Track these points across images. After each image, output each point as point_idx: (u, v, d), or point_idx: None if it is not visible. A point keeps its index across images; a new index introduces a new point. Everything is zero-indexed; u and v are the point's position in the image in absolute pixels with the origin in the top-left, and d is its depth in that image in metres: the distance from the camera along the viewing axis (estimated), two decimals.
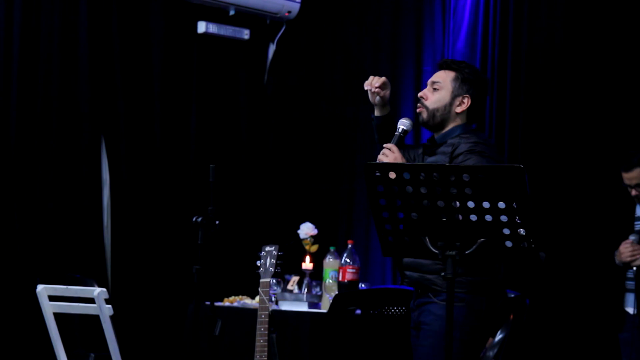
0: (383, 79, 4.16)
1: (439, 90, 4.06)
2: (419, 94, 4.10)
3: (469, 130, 4.06)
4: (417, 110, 4.09)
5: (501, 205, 3.06)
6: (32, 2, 6.13)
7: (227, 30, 6.95)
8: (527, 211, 3.05)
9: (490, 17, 6.69)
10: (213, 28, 6.88)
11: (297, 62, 7.41)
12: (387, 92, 4.18)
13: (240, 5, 6.92)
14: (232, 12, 6.95)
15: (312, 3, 7.26)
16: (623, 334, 5.41)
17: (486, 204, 3.08)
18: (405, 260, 3.99)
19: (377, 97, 4.16)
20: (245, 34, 7.04)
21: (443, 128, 4.07)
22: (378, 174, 3.23)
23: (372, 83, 4.14)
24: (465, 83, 4.05)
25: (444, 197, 3.14)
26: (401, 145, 4.04)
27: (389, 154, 3.93)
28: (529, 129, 6.46)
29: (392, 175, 3.22)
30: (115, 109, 6.52)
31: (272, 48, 7.33)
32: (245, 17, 7.05)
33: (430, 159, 4.02)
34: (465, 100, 4.04)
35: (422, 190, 3.17)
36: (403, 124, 4.07)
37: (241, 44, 7.10)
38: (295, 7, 7.11)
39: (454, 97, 4.05)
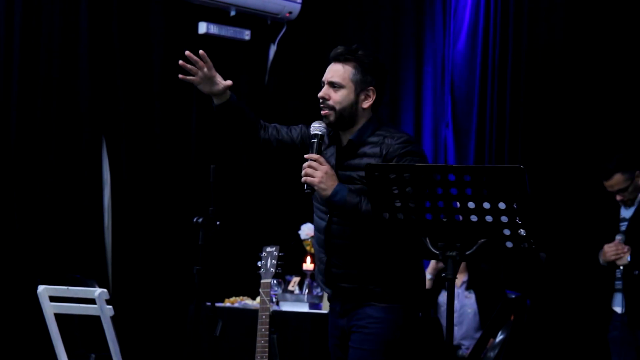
0: (199, 56, 3.82)
1: (341, 89, 3.73)
2: (320, 95, 3.75)
3: (382, 124, 3.78)
4: (322, 112, 3.74)
5: (502, 205, 3.06)
6: (33, 2, 6.13)
7: (228, 31, 6.95)
8: (527, 212, 3.05)
9: (491, 18, 6.70)
10: (214, 29, 6.88)
11: (298, 63, 7.41)
12: (212, 76, 3.85)
13: (241, 6, 6.92)
14: (233, 13, 6.95)
15: (313, 4, 7.26)
16: (611, 333, 5.44)
17: (487, 205, 3.08)
18: (337, 271, 3.76)
19: (214, 87, 3.85)
20: (246, 34, 7.04)
21: (353, 126, 3.76)
22: (378, 174, 3.23)
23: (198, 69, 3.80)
24: (366, 74, 3.74)
25: (444, 198, 3.14)
26: (320, 151, 3.74)
27: (319, 167, 3.68)
28: (529, 129, 6.47)
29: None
30: (116, 110, 6.52)
31: (273, 49, 7.33)
32: (246, 17, 7.06)
33: (354, 162, 3.70)
34: (371, 93, 3.75)
35: (422, 191, 3.17)
36: (318, 130, 3.76)
37: (242, 44, 7.10)
38: (296, 7, 7.11)
39: (358, 93, 3.73)
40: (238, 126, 3.98)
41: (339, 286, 3.80)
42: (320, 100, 3.77)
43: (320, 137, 3.76)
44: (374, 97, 3.77)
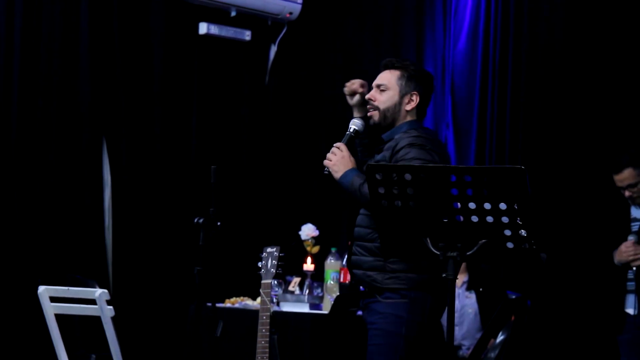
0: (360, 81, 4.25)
1: (387, 91, 4.09)
2: (367, 96, 4.13)
3: (414, 127, 4.08)
4: (368, 114, 4.13)
5: (502, 206, 3.06)
6: (33, 3, 6.13)
7: (228, 32, 6.95)
8: (528, 212, 3.05)
9: (492, 18, 6.69)
10: (214, 29, 6.87)
11: (298, 63, 7.41)
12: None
13: (242, 6, 6.92)
14: (233, 14, 6.95)
15: (313, 4, 7.26)
16: (623, 335, 5.39)
17: (487, 205, 3.08)
18: (354, 258, 4.05)
19: (357, 97, 4.23)
20: (247, 35, 7.04)
21: (393, 127, 4.11)
22: (379, 175, 3.23)
23: (354, 86, 4.22)
24: (411, 80, 4.09)
25: (445, 198, 3.14)
26: (352, 145, 4.12)
27: (337, 153, 4.02)
28: (530, 130, 6.46)
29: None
30: (116, 110, 6.52)
31: (273, 49, 7.32)
32: (247, 18, 7.05)
33: (378, 157, 4.07)
34: (414, 98, 4.09)
35: (423, 192, 3.17)
36: (355, 124, 4.15)
37: (242, 45, 7.10)
38: (296, 8, 7.11)
39: (402, 95, 4.08)
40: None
41: (352, 273, 4.07)
42: (368, 101, 4.13)
43: (355, 132, 4.14)
44: (417, 101, 4.09)
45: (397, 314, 3.89)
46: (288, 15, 7.12)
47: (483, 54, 6.75)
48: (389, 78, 4.10)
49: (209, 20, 6.87)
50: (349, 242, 4.19)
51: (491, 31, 6.70)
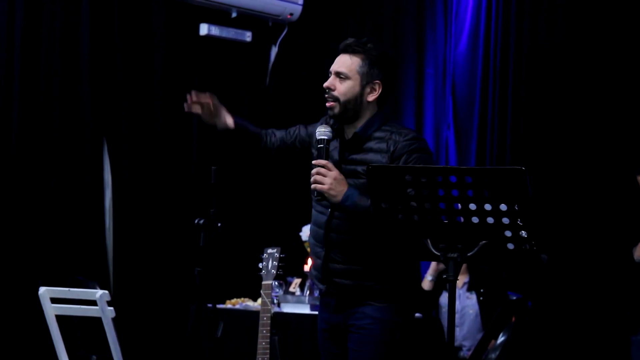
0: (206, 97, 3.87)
1: (347, 80, 3.71)
2: (325, 84, 3.73)
3: (388, 120, 3.76)
4: (327, 104, 3.72)
5: (503, 207, 3.06)
6: (34, 4, 6.14)
7: (229, 33, 6.95)
8: (528, 213, 3.04)
9: (492, 19, 6.70)
10: (215, 30, 6.88)
11: (299, 64, 7.41)
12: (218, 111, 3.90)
13: (243, 7, 6.93)
14: (234, 15, 6.96)
15: (314, 5, 7.26)
16: (637, 336, 5.38)
17: (488, 206, 3.08)
18: (336, 267, 3.74)
19: (217, 121, 3.91)
20: (248, 36, 7.04)
21: (357, 119, 3.74)
22: (380, 176, 3.22)
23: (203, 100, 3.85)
24: (373, 67, 3.72)
25: (445, 199, 3.14)
26: (328, 157, 3.71)
27: (328, 173, 3.65)
28: (531, 131, 6.47)
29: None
30: (117, 111, 6.52)
31: (274, 50, 7.33)
32: (248, 19, 7.06)
33: (359, 156, 3.71)
34: (377, 87, 3.72)
35: (424, 193, 3.16)
36: (324, 134, 3.70)
37: (243, 46, 7.10)
38: (297, 9, 7.12)
39: (364, 85, 3.71)
40: (241, 144, 4.05)
41: (334, 282, 3.77)
42: (326, 91, 3.75)
43: (327, 142, 3.71)
44: (380, 91, 3.74)
45: (393, 320, 3.71)
46: (289, 16, 7.13)
47: (484, 55, 6.75)
48: (349, 65, 3.71)
49: (210, 21, 6.87)
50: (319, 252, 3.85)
51: (492, 32, 6.70)
